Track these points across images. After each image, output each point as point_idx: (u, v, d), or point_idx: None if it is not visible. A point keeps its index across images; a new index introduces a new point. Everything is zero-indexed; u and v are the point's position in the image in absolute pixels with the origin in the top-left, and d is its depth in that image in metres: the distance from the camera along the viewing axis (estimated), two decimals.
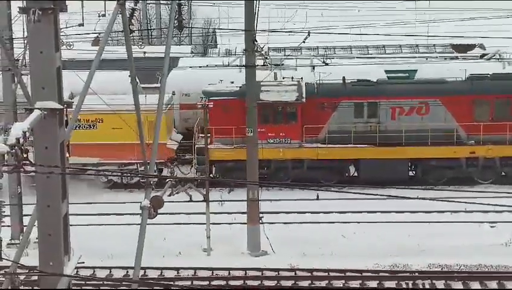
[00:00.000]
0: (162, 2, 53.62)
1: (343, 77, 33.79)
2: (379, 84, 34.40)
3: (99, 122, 33.04)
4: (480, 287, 22.90)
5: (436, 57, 42.89)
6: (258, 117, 32.83)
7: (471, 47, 46.44)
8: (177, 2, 27.05)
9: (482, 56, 39.65)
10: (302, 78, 34.38)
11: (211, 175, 33.38)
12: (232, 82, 34.40)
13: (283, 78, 34.89)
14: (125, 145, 32.31)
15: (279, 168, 33.78)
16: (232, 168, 33.39)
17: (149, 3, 56.80)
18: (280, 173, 33.82)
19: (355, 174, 34.64)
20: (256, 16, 24.51)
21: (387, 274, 23.67)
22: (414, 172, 34.64)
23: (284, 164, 33.75)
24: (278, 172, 33.82)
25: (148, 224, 10.23)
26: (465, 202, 12.97)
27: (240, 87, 33.60)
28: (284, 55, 42.07)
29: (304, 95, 33.23)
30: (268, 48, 44.66)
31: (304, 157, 33.66)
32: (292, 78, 34.41)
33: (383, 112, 33.73)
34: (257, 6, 24.48)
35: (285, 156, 33.51)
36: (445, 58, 42.15)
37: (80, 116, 33.18)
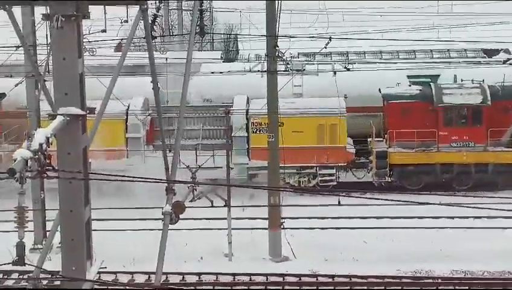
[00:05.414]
0: (183, 8, 53.84)
1: None
2: None
3: (280, 125, 32.15)
4: None
5: (459, 62, 42.55)
6: (441, 120, 32.60)
7: (496, 52, 46.12)
8: (198, 8, 27.08)
9: (505, 61, 39.34)
10: (483, 80, 33.66)
11: (390, 179, 33.16)
12: (410, 85, 33.95)
13: (461, 80, 34.30)
14: (305, 149, 32.41)
15: (461, 172, 33.08)
16: (413, 172, 33.01)
17: (171, 9, 56.98)
18: (462, 177, 33.18)
19: None
20: (277, 21, 24.50)
21: (409, 280, 23.55)
22: None
23: (466, 168, 33.01)
24: (459, 176, 33.17)
25: (169, 229, 10.25)
26: (488, 208, 12.90)
27: (421, 90, 33.32)
28: (314, 61, 41.78)
29: (489, 98, 32.58)
30: (298, 53, 44.58)
31: (489, 161, 32.94)
32: (472, 80, 33.77)
33: None
34: (279, 11, 24.48)
35: (469, 160, 32.78)
36: (476, 63, 41.69)
37: (261, 119, 32.87)
